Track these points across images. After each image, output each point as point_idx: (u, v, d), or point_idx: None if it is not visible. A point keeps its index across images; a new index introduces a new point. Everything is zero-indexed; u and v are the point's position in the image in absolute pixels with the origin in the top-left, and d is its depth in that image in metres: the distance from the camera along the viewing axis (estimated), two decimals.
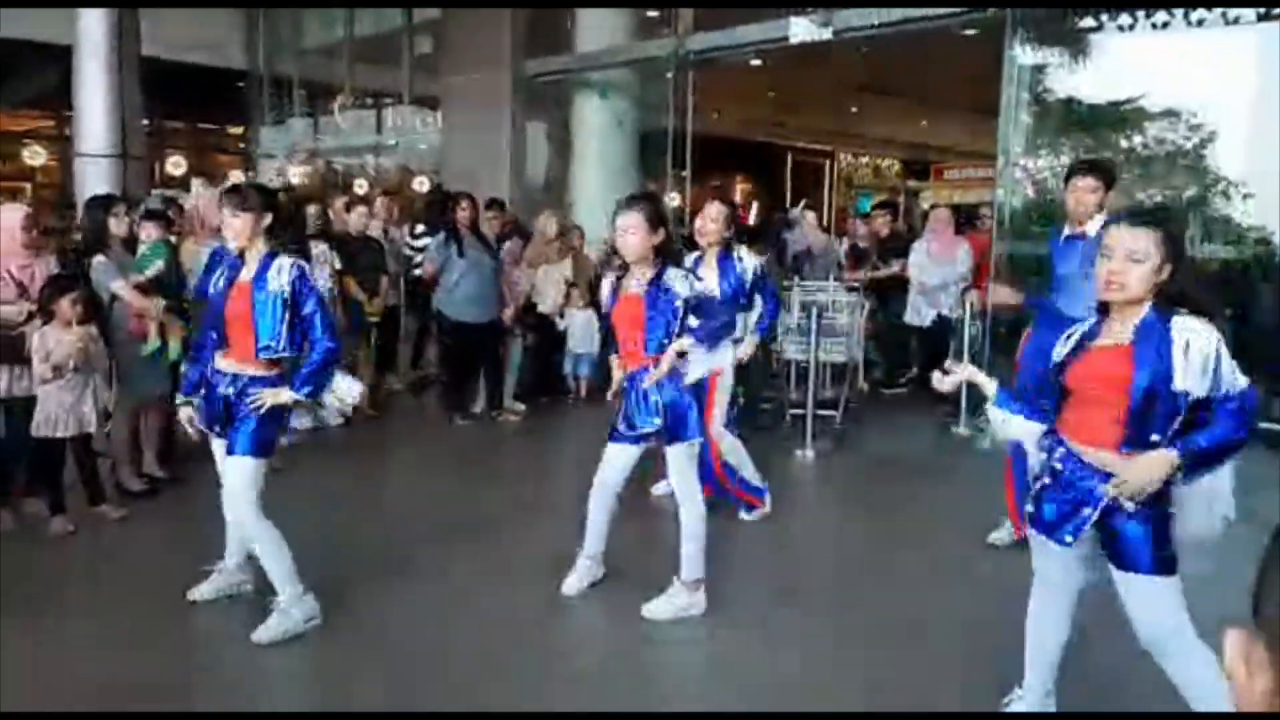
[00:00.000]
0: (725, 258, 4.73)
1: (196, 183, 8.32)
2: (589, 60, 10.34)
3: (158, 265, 5.06)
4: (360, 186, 13.50)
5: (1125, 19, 7.15)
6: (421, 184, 13.07)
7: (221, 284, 3.44)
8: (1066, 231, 4.24)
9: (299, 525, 3.59)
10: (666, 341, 3.50)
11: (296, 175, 14.32)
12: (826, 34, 8.09)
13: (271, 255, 3.40)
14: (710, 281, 4.50)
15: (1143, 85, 7.58)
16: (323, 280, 6.36)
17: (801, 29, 8.13)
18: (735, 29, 9.01)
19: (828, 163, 21.25)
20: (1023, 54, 7.35)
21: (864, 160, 21.81)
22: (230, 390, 3.39)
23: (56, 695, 2.94)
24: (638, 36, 10.28)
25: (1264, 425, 6.39)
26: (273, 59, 15.35)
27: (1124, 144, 7.62)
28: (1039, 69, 7.72)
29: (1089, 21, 7.31)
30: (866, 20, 7.89)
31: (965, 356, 6.46)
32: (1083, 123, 7.95)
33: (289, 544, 3.41)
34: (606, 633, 3.64)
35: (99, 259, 4.84)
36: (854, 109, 16.49)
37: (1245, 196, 7.61)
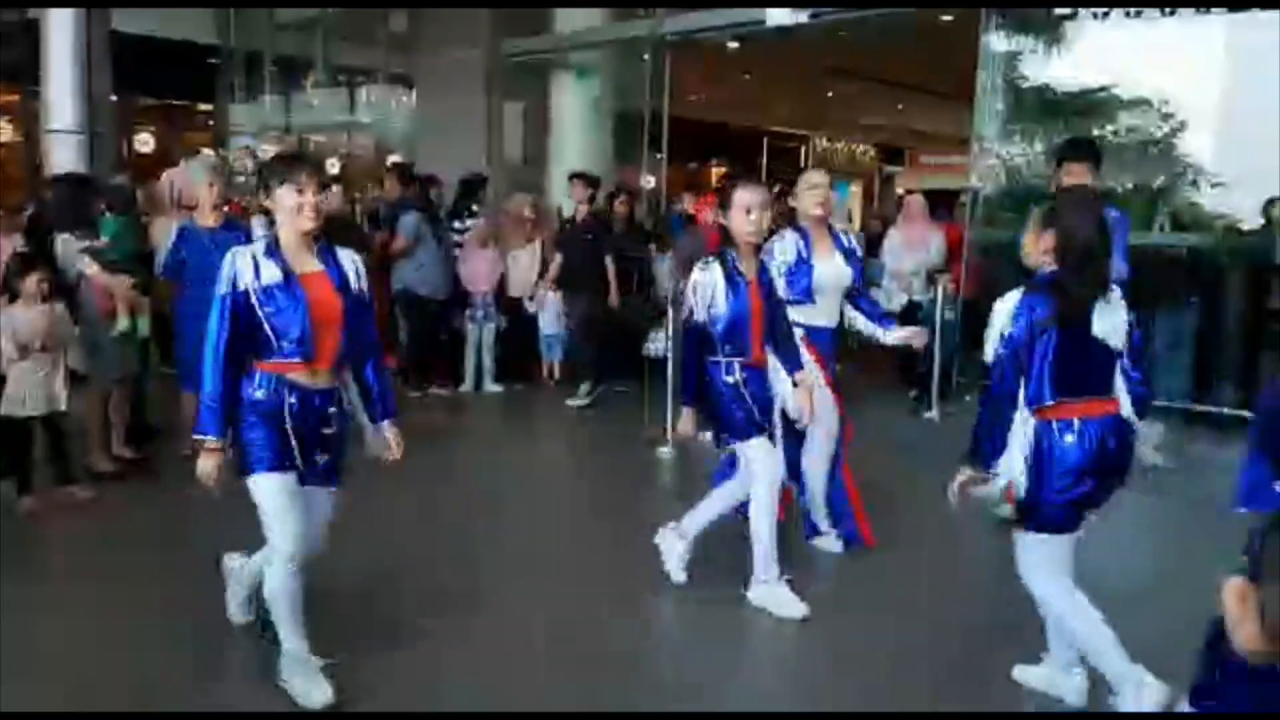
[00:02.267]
0: (834, 236, 4.09)
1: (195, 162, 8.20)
2: (566, 41, 10.28)
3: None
4: (333, 165, 13.37)
5: (1099, 7, 7.20)
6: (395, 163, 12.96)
7: (271, 279, 2.70)
8: None
9: None
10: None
11: (268, 153, 14.14)
12: (803, 18, 8.08)
13: (330, 246, 2.85)
14: (833, 265, 3.98)
15: (1115, 73, 7.64)
16: None
17: (778, 13, 8.12)
18: (713, 11, 8.99)
19: (803, 148, 21.27)
20: (998, 41, 7.38)
21: (840, 145, 21.84)
22: (332, 409, 2.83)
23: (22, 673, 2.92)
24: (616, 18, 10.22)
25: (1231, 411, 6.52)
26: (245, 35, 15.13)
27: (1096, 131, 7.68)
28: (1013, 56, 7.76)
29: (1063, 9, 7.36)
30: (843, 5, 7.90)
31: (936, 341, 6.51)
32: (1056, 110, 8.01)
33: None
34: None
35: (65, 236, 4.77)
36: (830, 94, 16.49)
37: (1214, 185, 7.71)
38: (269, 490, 2.74)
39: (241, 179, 8.83)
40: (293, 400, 2.74)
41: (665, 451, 5.75)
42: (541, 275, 7.52)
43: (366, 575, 3.74)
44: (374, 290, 3.04)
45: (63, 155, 7.63)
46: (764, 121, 19.49)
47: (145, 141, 13.67)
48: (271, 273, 2.70)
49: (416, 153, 11.70)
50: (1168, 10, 6.94)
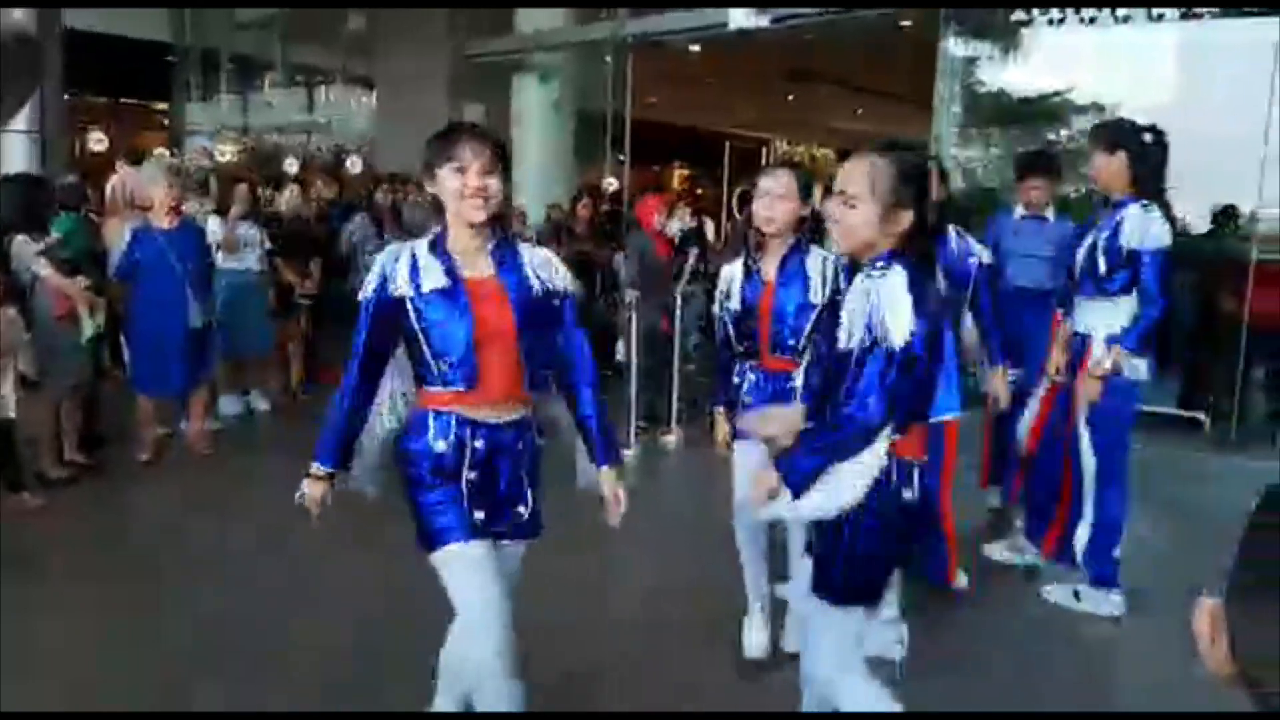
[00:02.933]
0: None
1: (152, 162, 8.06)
2: (528, 42, 10.27)
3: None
4: (291, 166, 13.22)
5: (1055, 13, 7.33)
6: (354, 165, 12.86)
7: (434, 284, 2.15)
8: (1022, 212, 4.58)
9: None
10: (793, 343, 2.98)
11: (225, 153, 13.96)
12: (765, 21, 8.14)
13: (510, 243, 2.28)
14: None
15: (1070, 79, 7.78)
16: (254, 263, 6.25)
17: (740, 16, 8.17)
18: (674, 15, 9.02)
19: (764, 150, 21.38)
20: (955, 46, 7.48)
21: (800, 148, 21.99)
22: (522, 446, 2.26)
23: None
24: (578, 20, 10.23)
25: (1175, 411, 6.65)
26: (201, 33, 14.93)
27: (1050, 136, 7.82)
28: (971, 61, 7.87)
29: (1020, 15, 7.47)
30: (805, 9, 7.97)
31: None
32: (1012, 115, 8.13)
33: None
34: None
35: (19, 238, 4.69)
36: (791, 97, 16.60)
37: (1165, 189, 7.86)
38: (462, 567, 2.16)
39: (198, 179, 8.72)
40: (478, 444, 2.18)
41: (626, 453, 5.76)
42: None
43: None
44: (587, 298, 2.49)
45: (14, 155, 7.50)
46: (726, 124, 19.57)
47: (100, 140, 13.41)
48: (435, 276, 2.15)
49: (377, 154, 11.63)
50: (1120, 17, 7.08)
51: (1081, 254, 3.62)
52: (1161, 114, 7.75)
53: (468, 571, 2.16)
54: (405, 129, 10.72)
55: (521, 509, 2.27)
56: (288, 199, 7.06)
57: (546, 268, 2.24)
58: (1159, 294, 3.45)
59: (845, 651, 2.14)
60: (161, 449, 5.39)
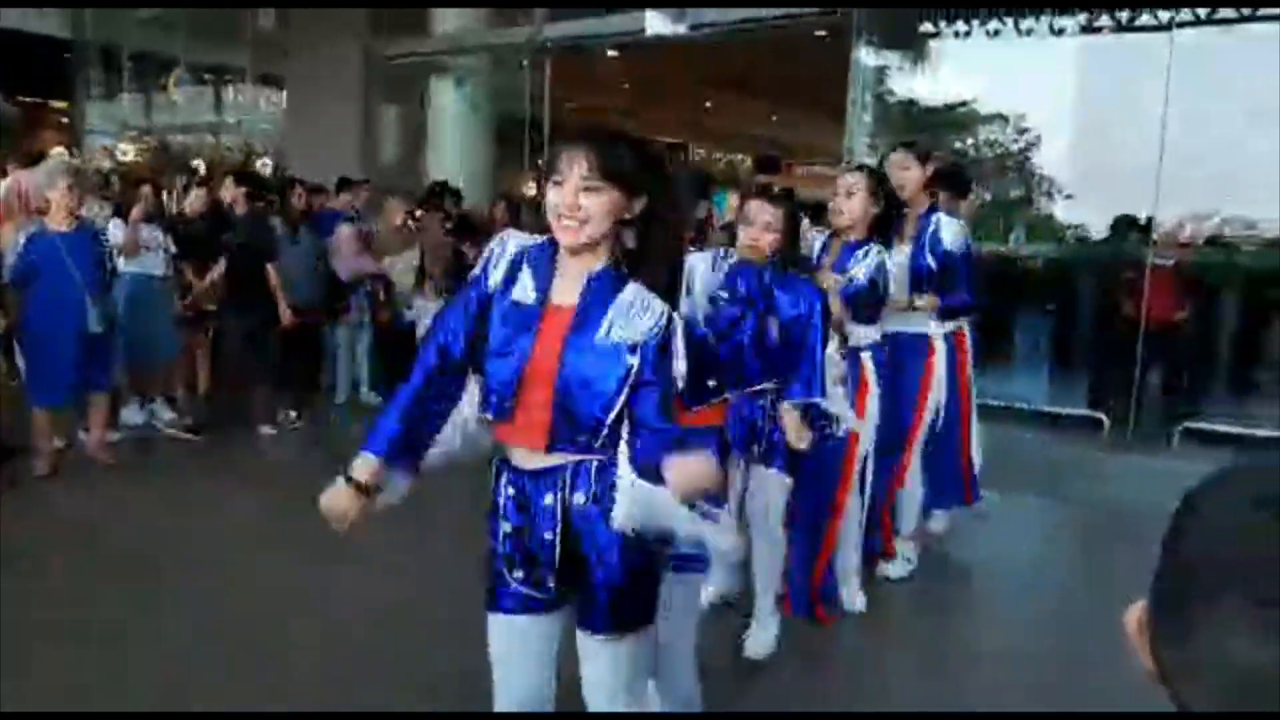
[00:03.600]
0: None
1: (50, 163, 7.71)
2: (444, 44, 10.16)
3: None
4: (198, 167, 12.84)
5: (961, 26, 7.55)
6: (265, 166, 12.55)
7: (522, 295, 1.83)
8: None
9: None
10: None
11: (128, 154, 13.51)
12: (682, 28, 8.19)
13: (621, 276, 1.83)
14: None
15: (975, 90, 8.02)
16: (158, 267, 6.05)
17: (657, 23, 8.21)
18: (592, 20, 9.02)
19: (682, 156, 21.52)
20: (866, 56, 7.64)
21: (717, 155, 22.19)
22: (554, 503, 1.82)
23: None
24: (495, 23, 10.15)
25: (1083, 412, 6.89)
26: (102, 29, 14.40)
27: (957, 145, 8.04)
28: (881, 70, 8.04)
29: (928, 27, 7.67)
30: (722, 16, 8.05)
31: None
32: (921, 124, 8.34)
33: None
34: None
35: None
36: (709, 104, 16.76)
37: (1067, 196, 8.18)
38: (490, 637, 1.93)
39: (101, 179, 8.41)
40: (510, 490, 1.85)
41: None
42: (420, 282, 7.39)
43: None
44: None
45: None
46: (645, 129, 19.64)
47: None
48: (525, 288, 1.82)
49: (286, 155, 11.37)
50: (1024, 30, 7.32)
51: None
52: (1063, 124, 8.10)
53: (496, 647, 1.91)
54: (317, 130, 10.53)
55: (550, 580, 1.83)
56: (191, 201, 6.84)
57: (654, 315, 1.79)
58: None
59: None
60: (58, 462, 5.17)
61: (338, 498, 1.83)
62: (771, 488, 3.08)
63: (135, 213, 5.90)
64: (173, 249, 6.15)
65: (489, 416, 1.82)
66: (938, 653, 3.47)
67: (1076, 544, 4.60)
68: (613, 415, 1.76)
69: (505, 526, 1.84)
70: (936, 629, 3.66)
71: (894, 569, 3.96)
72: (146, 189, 6.17)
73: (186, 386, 6.55)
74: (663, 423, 1.77)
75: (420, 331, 7.44)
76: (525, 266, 1.83)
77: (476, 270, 1.88)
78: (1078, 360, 7.32)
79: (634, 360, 1.76)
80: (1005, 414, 6.37)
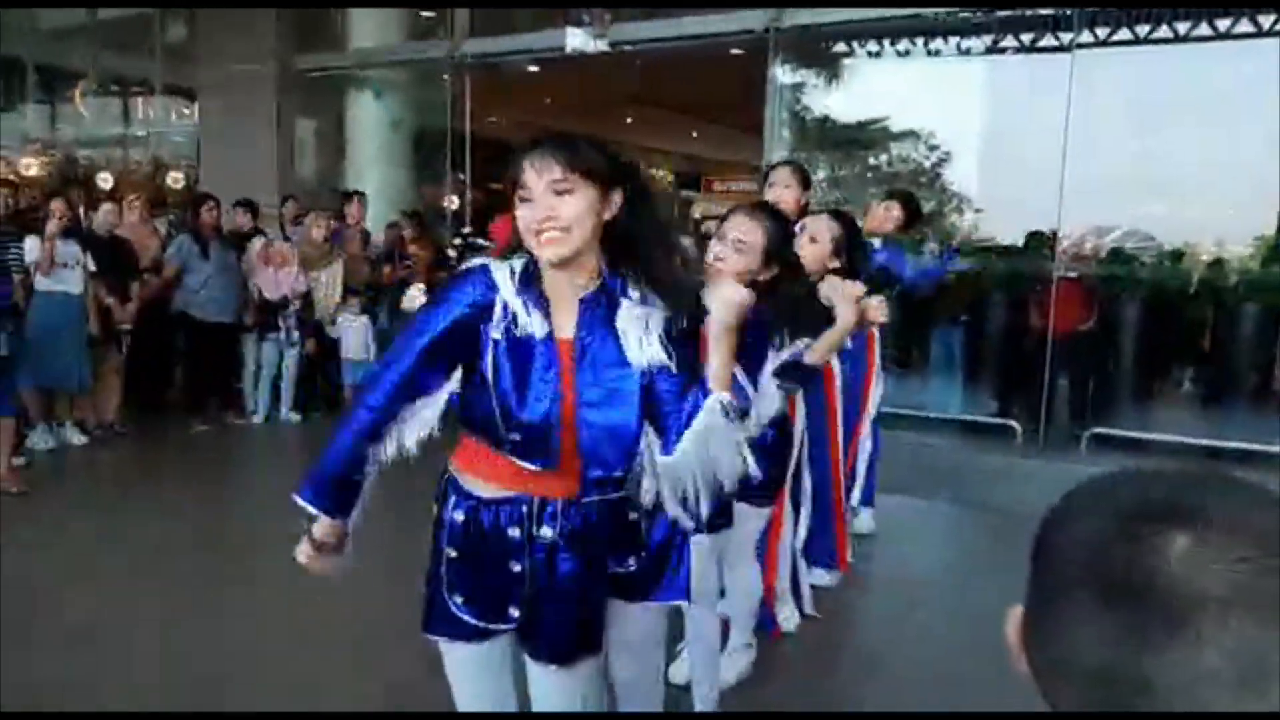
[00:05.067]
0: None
1: None
2: (362, 58, 10.05)
3: None
4: (105, 181, 12.45)
5: (873, 46, 7.77)
6: (176, 180, 12.22)
7: (497, 334, 1.68)
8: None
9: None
10: None
11: (30, 167, 13.01)
12: (603, 45, 8.25)
13: (618, 278, 1.73)
14: None
15: (888, 108, 8.26)
16: (76, 285, 5.86)
17: (577, 39, 8.25)
18: (512, 36, 9.03)
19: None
20: (783, 74, 7.79)
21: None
22: (545, 530, 1.76)
23: None
24: (413, 37, 10.08)
25: (995, 420, 7.11)
26: (5, 40, 13.88)
27: (872, 161, 8.25)
28: (798, 88, 8.22)
29: (841, 47, 7.88)
30: (641, 34, 8.13)
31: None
32: (837, 141, 8.54)
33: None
34: None
35: None
36: (629, 119, 16.87)
37: (977, 211, 8.45)
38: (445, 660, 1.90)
39: None
40: (458, 515, 1.80)
41: None
42: (344, 299, 7.30)
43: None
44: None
45: None
46: None
47: None
48: (527, 319, 1.67)
49: (200, 169, 11.11)
50: (932, 50, 7.56)
51: None
52: (971, 142, 8.38)
53: (462, 664, 1.87)
54: (231, 143, 10.31)
55: (514, 610, 1.78)
56: (101, 217, 6.65)
57: (654, 327, 1.68)
58: None
59: None
60: None
61: (306, 553, 1.76)
62: (749, 521, 2.95)
63: (51, 228, 5.71)
64: (91, 266, 5.97)
65: (524, 465, 1.69)
66: (846, 658, 3.55)
67: (990, 546, 4.75)
68: (640, 452, 1.69)
69: (450, 552, 1.78)
70: (850, 634, 3.75)
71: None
72: (60, 203, 5.99)
73: (97, 409, 6.35)
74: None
75: (344, 349, 7.34)
76: (517, 295, 1.67)
77: (449, 295, 1.71)
78: (989, 369, 7.55)
79: (644, 380, 1.67)
80: (920, 422, 6.55)
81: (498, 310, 1.67)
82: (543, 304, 1.68)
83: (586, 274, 1.69)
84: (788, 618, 3.60)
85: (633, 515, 1.84)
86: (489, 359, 1.66)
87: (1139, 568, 0.59)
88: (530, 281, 1.68)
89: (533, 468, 1.69)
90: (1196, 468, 0.66)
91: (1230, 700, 0.57)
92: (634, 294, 1.69)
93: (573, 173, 1.61)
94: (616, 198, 1.68)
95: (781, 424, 2.81)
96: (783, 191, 3.71)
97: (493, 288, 1.68)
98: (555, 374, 1.66)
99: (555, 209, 1.61)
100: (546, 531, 1.73)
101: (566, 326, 1.69)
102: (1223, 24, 7.15)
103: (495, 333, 1.66)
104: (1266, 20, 7.06)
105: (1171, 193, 7.75)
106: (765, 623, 3.45)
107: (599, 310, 1.68)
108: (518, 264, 1.70)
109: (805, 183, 3.78)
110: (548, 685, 1.83)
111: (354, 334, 7.27)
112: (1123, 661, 0.59)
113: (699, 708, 2.73)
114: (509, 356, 1.66)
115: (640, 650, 2.09)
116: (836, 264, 3.39)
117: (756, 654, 3.24)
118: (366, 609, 3.47)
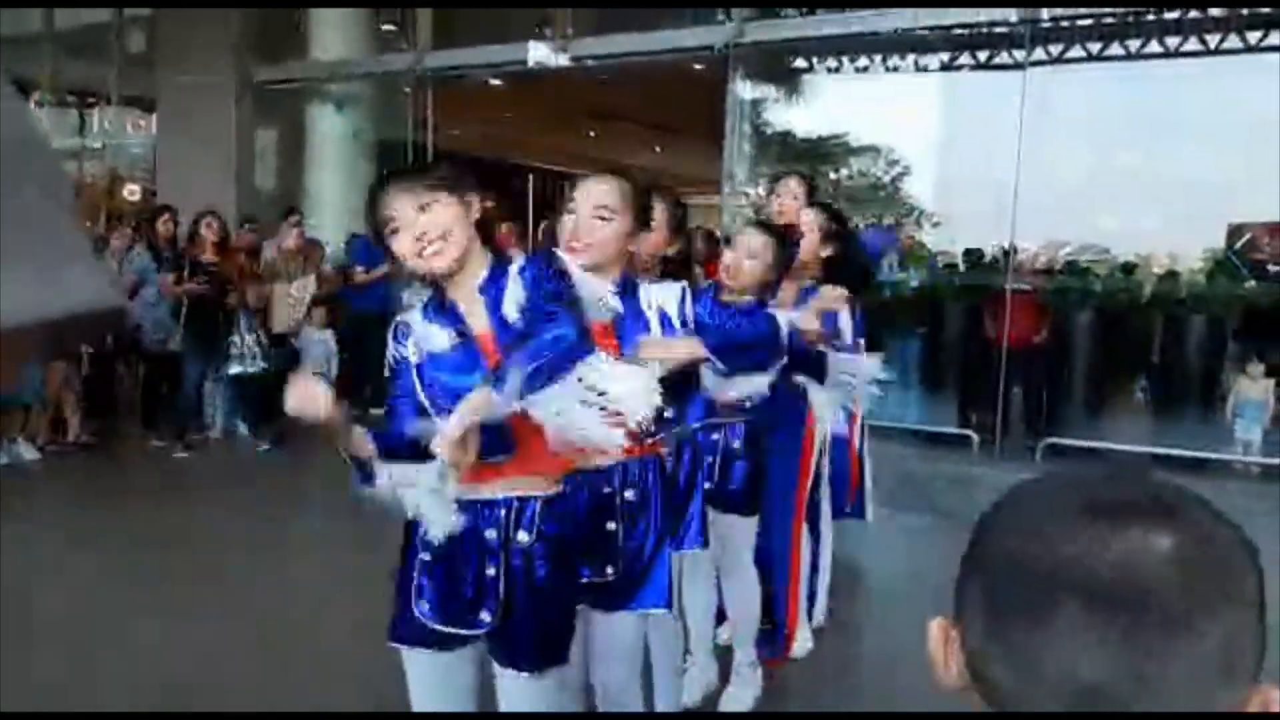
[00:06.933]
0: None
1: None
2: (323, 70, 9.99)
3: None
4: None
5: (832, 62, 7.88)
6: (133, 193, 12.08)
7: (443, 341, 1.78)
8: None
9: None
10: None
11: None
12: (564, 60, 8.29)
13: (501, 267, 1.83)
14: None
15: (847, 123, 8.38)
16: None
17: (539, 53, 8.29)
18: (474, 49, 9.04)
19: (568, 185, 21.58)
20: (744, 88, 7.88)
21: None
22: (521, 535, 1.78)
23: None
24: (375, 49, 10.05)
25: (953, 430, 7.21)
26: None
27: (832, 175, 8.36)
28: (758, 103, 8.31)
29: (801, 63, 7.98)
30: (602, 49, 8.19)
31: None
32: (797, 155, 8.65)
33: None
34: None
35: None
36: (592, 133, 16.92)
37: (935, 224, 8.59)
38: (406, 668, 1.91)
39: None
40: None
41: None
42: (310, 311, 7.24)
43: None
44: None
45: None
46: (530, 158, 19.69)
47: None
48: (438, 337, 1.81)
49: (158, 181, 10.99)
50: (890, 67, 7.69)
51: None
52: (929, 157, 8.50)
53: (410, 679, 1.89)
54: (189, 154, 10.20)
55: (488, 615, 1.77)
56: None
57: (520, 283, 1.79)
58: None
59: None
60: None
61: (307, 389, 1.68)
62: (740, 532, 2.91)
63: None
64: None
65: (488, 460, 1.67)
66: (794, 669, 3.58)
67: (947, 555, 4.81)
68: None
69: (425, 555, 1.78)
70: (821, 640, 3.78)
71: None
72: None
73: (52, 426, 6.26)
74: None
75: (305, 360, 7.26)
76: (423, 320, 1.79)
77: (391, 356, 1.82)
78: (947, 380, 7.65)
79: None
80: (880, 432, 6.61)
81: (412, 341, 1.78)
82: (453, 316, 1.76)
83: (479, 272, 1.78)
84: (802, 643, 3.51)
85: (610, 525, 1.92)
86: (413, 377, 1.77)
87: (1131, 571, 0.58)
88: (439, 304, 1.79)
89: (496, 460, 1.70)
90: (1139, 467, 0.66)
91: (1219, 690, 0.58)
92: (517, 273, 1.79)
93: (432, 190, 1.72)
94: (476, 201, 1.79)
95: (754, 440, 2.85)
96: (789, 201, 3.71)
97: (410, 329, 1.80)
98: (482, 366, 1.71)
99: (424, 225, 1.70)
100: (523, 536, 1.75)
101: (481, 323, 1.76)
102: (1172, 42, 7.34)
103: (415, 358, 1.77)
104: (1214, 39, 7.26)
105: (1124, 207, 7.93)
106: (780, 642, 3.36)
107: (493, 285, 1.77)
108: (425, 295, 1.82)
109: (811, 194, 3.77)
110: (517, 695, 1.82)
111: (317, 347, 7.22)
112: (1122, 667, 0.57)
113: None
114: (432, 368, 1.76)
115: (620, 657, 2.11)
116: (829, 252, 3.40)
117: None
118: (335, 611, 3.45)
